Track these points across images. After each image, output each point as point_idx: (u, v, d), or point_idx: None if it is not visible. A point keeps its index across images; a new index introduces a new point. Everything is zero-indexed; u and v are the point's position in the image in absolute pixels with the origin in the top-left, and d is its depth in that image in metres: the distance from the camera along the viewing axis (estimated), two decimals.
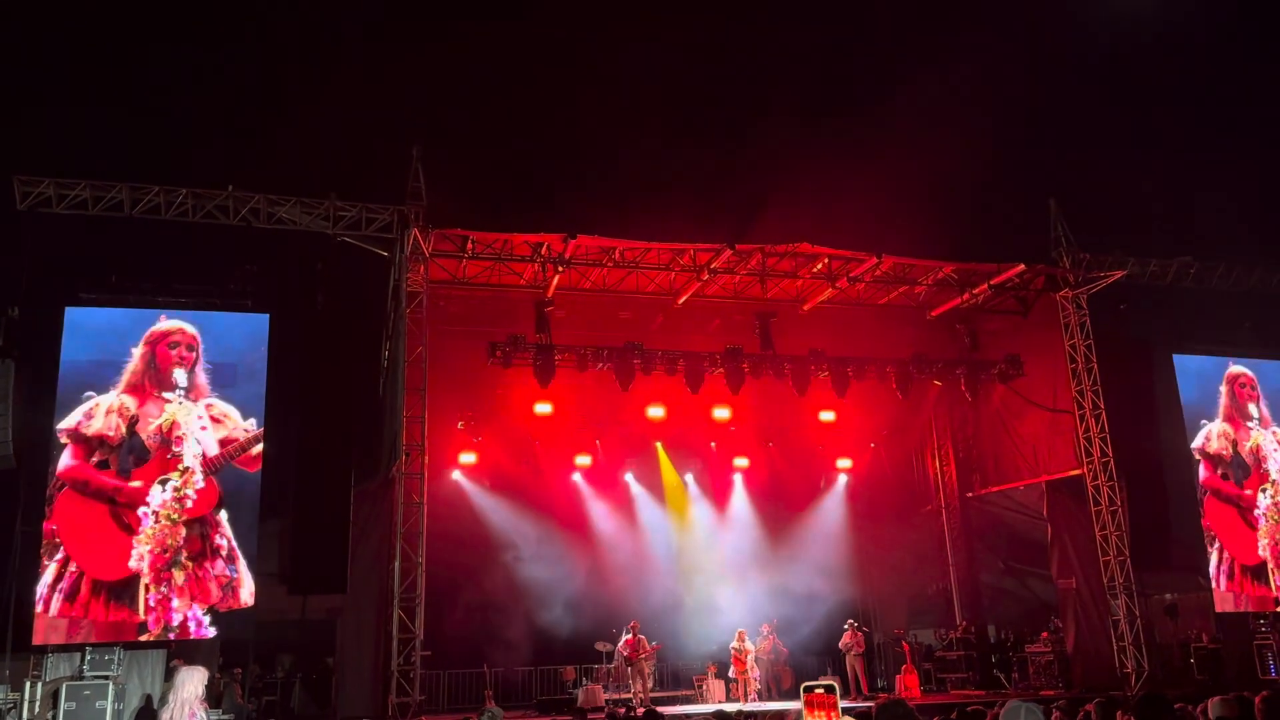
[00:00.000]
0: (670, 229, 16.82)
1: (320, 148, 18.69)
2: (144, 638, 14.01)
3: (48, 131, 17.05)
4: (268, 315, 15.78)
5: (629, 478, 22.47)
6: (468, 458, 20.27)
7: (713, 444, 22.76)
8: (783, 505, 23.18)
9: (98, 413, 14.53)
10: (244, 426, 15.12)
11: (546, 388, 17.52)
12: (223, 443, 14.98)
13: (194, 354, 15.15)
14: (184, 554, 14.32)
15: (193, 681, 7.89)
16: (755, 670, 18.85)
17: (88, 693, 13.26)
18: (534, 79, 21.98)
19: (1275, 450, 20.14)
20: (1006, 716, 4.34)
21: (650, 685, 18.73)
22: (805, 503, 23.44)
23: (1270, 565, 19.30)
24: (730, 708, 14.70)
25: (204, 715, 7.93)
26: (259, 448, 15.10)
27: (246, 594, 14.61)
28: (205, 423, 14.96)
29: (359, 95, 20.13)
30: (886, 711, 4.79)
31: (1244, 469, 19.71)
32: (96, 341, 14.94)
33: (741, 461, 23.01)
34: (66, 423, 14.37)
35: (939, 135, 19.36)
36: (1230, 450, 19.74)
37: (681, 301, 18.60)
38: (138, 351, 14.93)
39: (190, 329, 15.22)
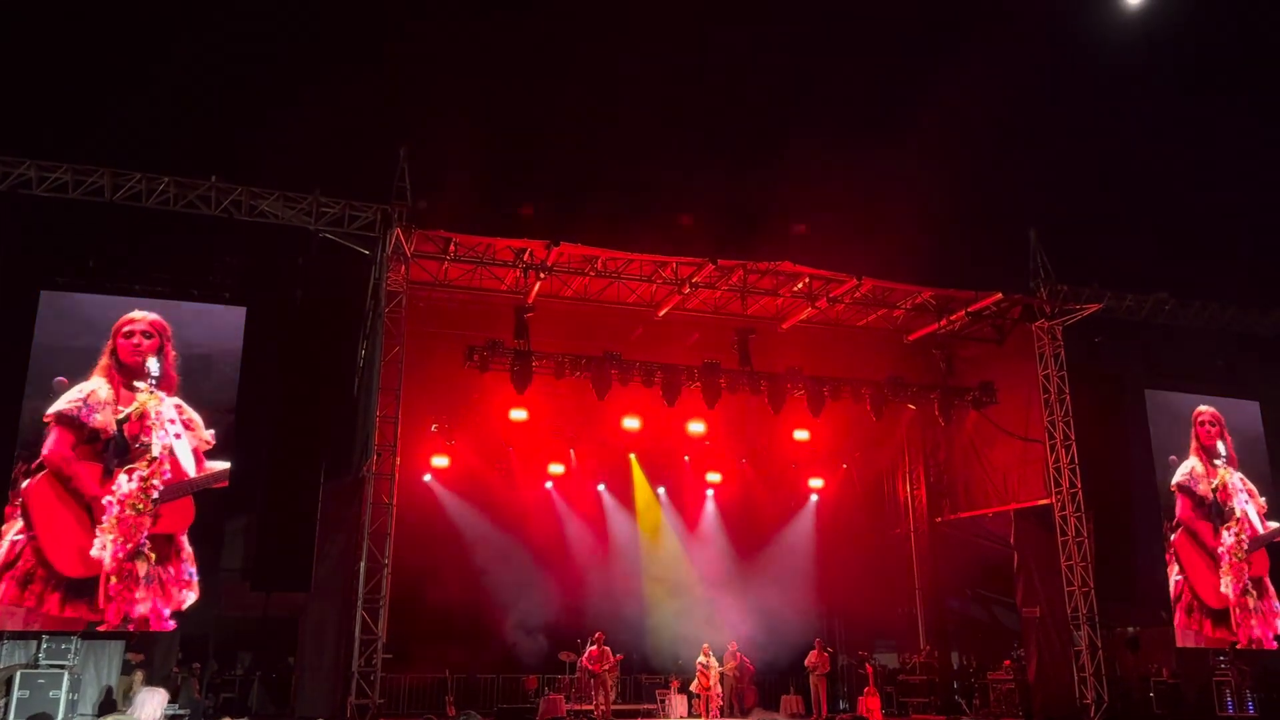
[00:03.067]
0: (653, 241, 16.87)
1: (306, 143, 18.60)
2: (102, 628, 13.80)
3: (29, 113, 16.88)
4: (245, 308, 15.66)
5: (601, 488, 22.45)
6: (440, 461, 20.20)
7: (686, 458, 22.79)
8: (753, 522, 23.22)
9: (94, 401, 14.29)
10: (205, 437, 14.82)
11: (523, 394, 17.47)
12: (195, 454, 14.71)
13: (166, 344, 14.97)
14: (148, 546, 14.13)
15: (152, 704, 7.71)
16: (719, 687, 18.82)
17: (42, 681, 13.03)
18: (525, 86, 22.01)
19: (1240, 491, 20.33)
20: None
21: (613, 698, 18.65)
22: (776, 521, 23.50)
23: (1233, 604, 19.46)
24: None
25: None
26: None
27: (192, 596, 14.33)
28: (179, 429, 14.71)
29: (347, 92, 20.06)
30: None
31: (1220, 514, 19.81)
32: (70, 327, 14.77)
33: (714, 477, 23.04)
34: (62, 407, 14.11)
35: (922, 162, 19.54)
36: (1211, 492, 19.86)
37: (662, 314, 18.63)
38: (111, 340, 14.75)
39: (162, 319, 15.04)
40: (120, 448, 14.30)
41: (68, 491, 14.01)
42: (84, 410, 14.20)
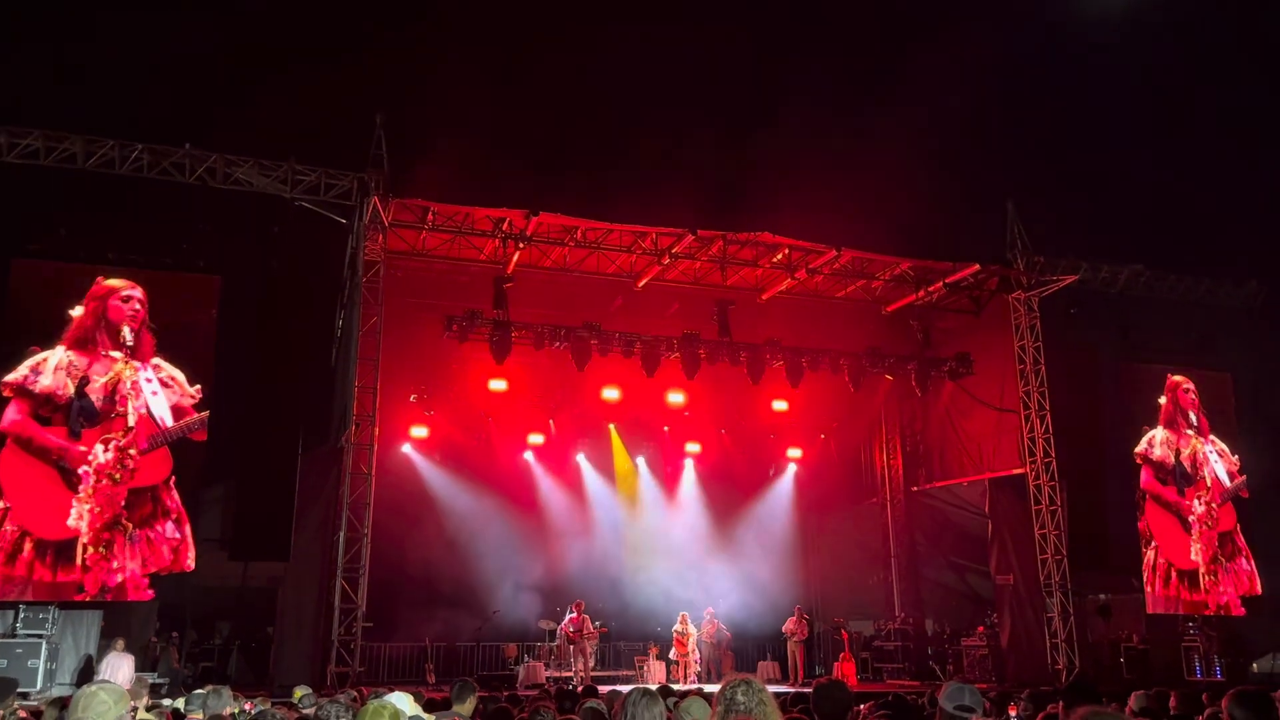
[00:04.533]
0: (633, 211, 16.80)
1: (282, 111, 18.36)
2: (79, 597, 13.79)
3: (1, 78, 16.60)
4: (220, 277, 15.56)
5: (581, 458, 22.49)
6: (419, 431, 20.16)
7: (666, 428, 22.85)
8: (732, 491, 23.35)
9: (45, 368, 14.21)
10: (190, 392, 14.86)
11: (502, 364, 17.44)
12: (175, 410, 14.72)
13: (142, 312, 14.86)
14: (125, 515, 14.10)
15: (122, 670, 7.64)
16: (696, 653, 19.03)
17: (20, 650, 13.06)
18: (506, 56, 21.81)
19: (1214, 459, 20.64)
20: (949, 696, 4.42)
21: (592, 664, 18.82)
22: (754, 490, 23.65)
23: (1202, 570, 19.81)
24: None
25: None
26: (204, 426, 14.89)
27: (190, 558, 14.44)
28: (156, 387, 14.68)
29: (325, 60, 19.82)
30: (825, 691, 4.91)
31: (1186, 477, 20.17)
32: (43, 295, 14.63)
33: (693, 447, 23.13)
34: (11, 377, 14.04)
35: (901, 134, 19.52)
36: (1172, 458, 20.19)
37: (641, 285, 18.61)
38: (86, 307, 14.62)
39: (139, 288, 14.93)
40: (87, 411, 14.21)
41: (32, 454, 14.01)
42: (30, 378, 14.14)
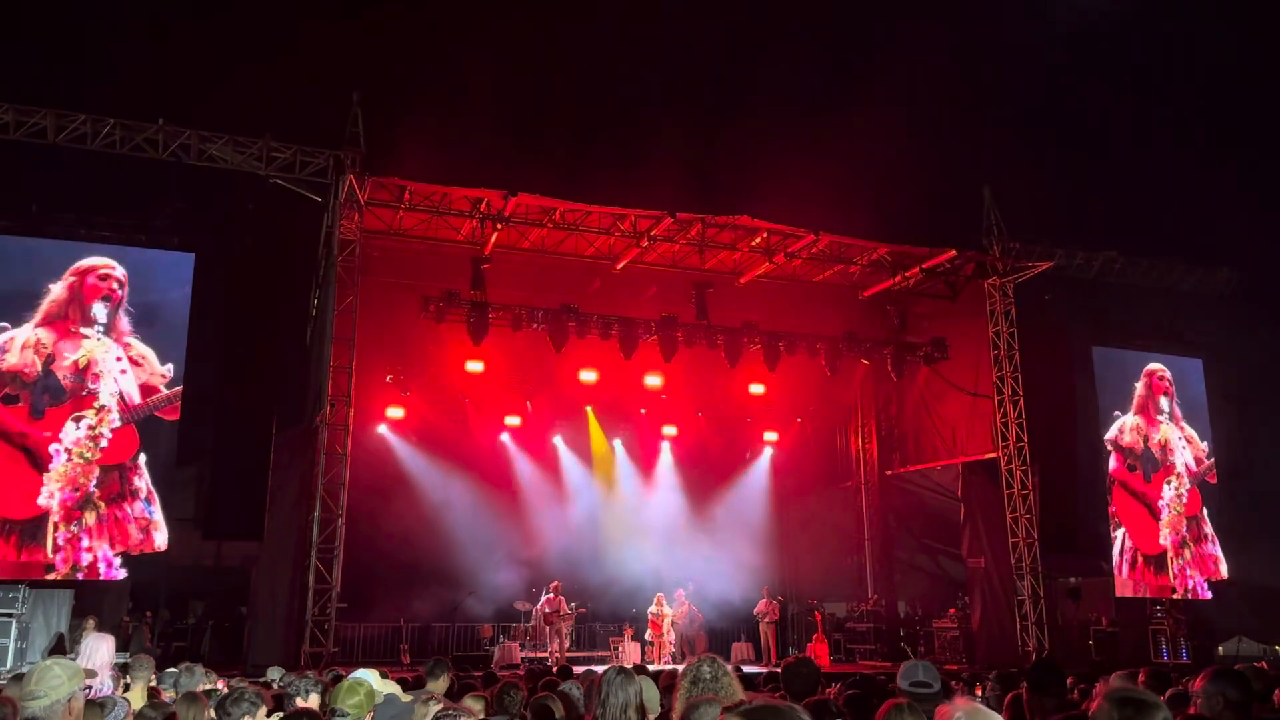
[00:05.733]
0: (611, 193, 16.76)
1: (257, 87, 18.20)
2: (51, 577, 13.70)
3: None
4: (193, 255, 15.44)
5: (557, 440, 22.50)
6: (395, 412, 20.09)
7: (643, 411, 22.88)
8: (708, 474, 23.43)
9: (12, 347, 14.07)
10: (161, 371, 14.76)
11: (479, 345, 17.41)
12: (143, 389, 14.62)
13: (120, 291, 14.73)
14: (97, 494, 14.01)
15: (102, 650, 7.57)
16: (671, 634, 19.14)
17: None
18: (484, 36, 21.62)
19: (1181, 445, 20.93)
20: (904, 674, 4.51)
21: (568, 645, 18.90)
22: (730, 473, 23.74)
23: (1170, 555, 20.12)
24: None
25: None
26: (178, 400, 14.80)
27: (162, 538, 14.37)
28: (125, 365, 14.57)
29: (301, 36, 19.60)
30: (794, 669, 4.98)
31: (1153, 462, 20.46)
32: (11, 272, 14.46)
33: (670, 430, 23.18)
34: None
35: (878, 119, 19.55)
36: (1141, 444, 20.45)
37: (620, 267, 18.61)
38: (59, 285, 14.46)
39: (120, 266, 14.78)
40: (53, 389, 14.08)
41: None
42: None
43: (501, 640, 19.05)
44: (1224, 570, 20.57)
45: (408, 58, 20.24)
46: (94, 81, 16.56)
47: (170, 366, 14.80)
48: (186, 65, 18.77)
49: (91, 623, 13.42)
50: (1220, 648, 19.09)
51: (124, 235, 15.14)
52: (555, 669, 11.13)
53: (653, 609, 19.17)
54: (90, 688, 4.80)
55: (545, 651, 18.41)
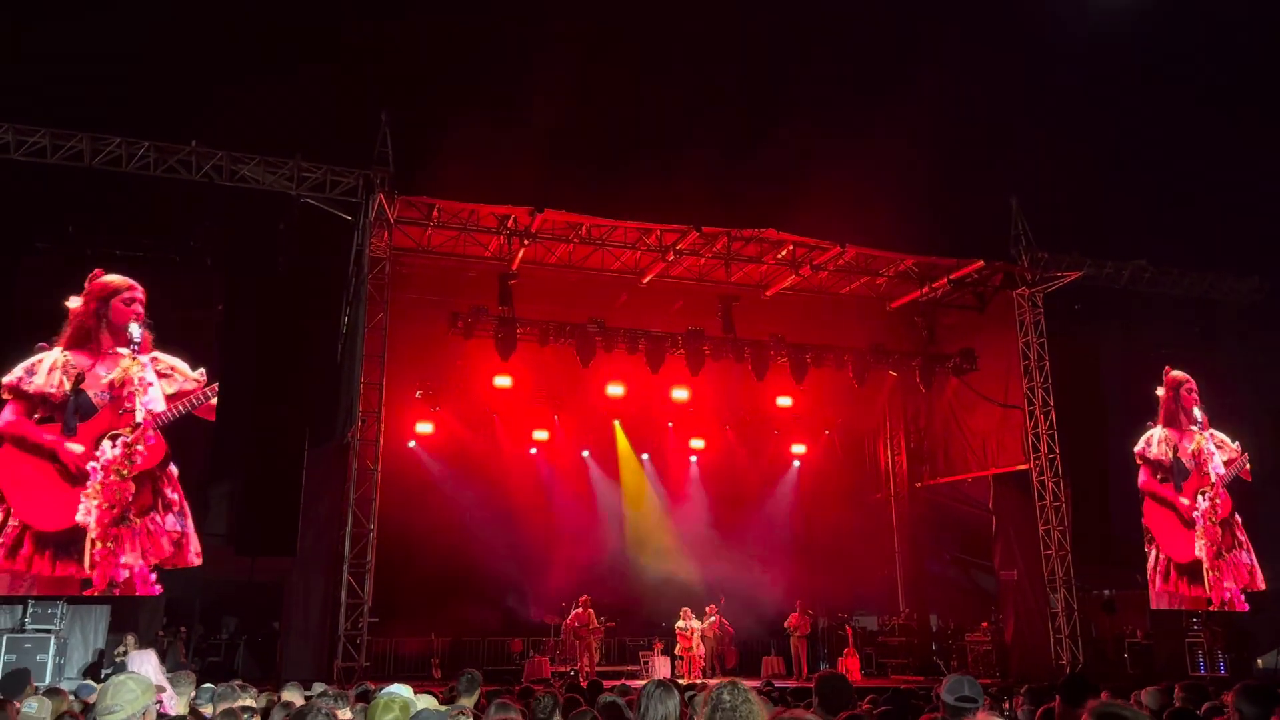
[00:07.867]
0: (637, 208, 16.84)
1: (288, 108, 18.42)
2: (88, 593, 13.87)
3: (6, 77, 16.64)
4: (225, 274, 15.61)
5: (585, 455, 22.55)
6: (424, 427, 20.23)
7: (670, 424, 22.89)
8: (736, 488, 23.38)
9: (40, 369, 14.27)
10: (194, 377, 14.90)
11: (507, 361, 17.51)
12: (174, 396, 14.79)
13: (144, 309, 14.93)
14: (132, 511, 14.18)
15: (147, 667, 7.61)
16: (701, 648, 19.08)
17: (29, 645, 13.11)
18: (510, 54, 21.82)
19: (1213, 453, 20.65)
20: (950, 688, 4.50)
21: (597, 659, 18.89)
22: (758, 486, 23.68)
23: (1205, 566, 19.83)
24: None
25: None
26: (215, 398, 14.94)
27: (194, 552, 14.51)
28: (151, 378, 14.76)
29: (330, 57, 19.85)
30: (826, 682, 4.99)
31: (1184, 473, 20.17)
32: (51, 292, 14.69)
33: (698, 443, 23.18)
34: (7, 378, 14.09)
35: (906, 130, 19.52)
36: (1170, 455, 20.18)
37: (646, 281, 18.66)
38: (89, 305, 14.68)
39: (138, 285, 14.97)
40: (83, 408, 14.28)
41: (28, 452, 14.08)
42: (24, 379, 14.21)
43: (531, 654, 19.07)
44: (1260, 580, 20.25)
45: (435, 78, 20.43)
46: (129, 105, 16.83)
47: (203, 371, 14.93)
48: (218, 87, 19.06)
49: (131, 639, 13.58)
50: (1259, 660, 18.80)
51: (158, 255, 15.35)
52: (585, 683, 11.15)
53: (679, 623, 19.12)
54: (161, 702, 4.87)
55: (574, 665, 18.42)
